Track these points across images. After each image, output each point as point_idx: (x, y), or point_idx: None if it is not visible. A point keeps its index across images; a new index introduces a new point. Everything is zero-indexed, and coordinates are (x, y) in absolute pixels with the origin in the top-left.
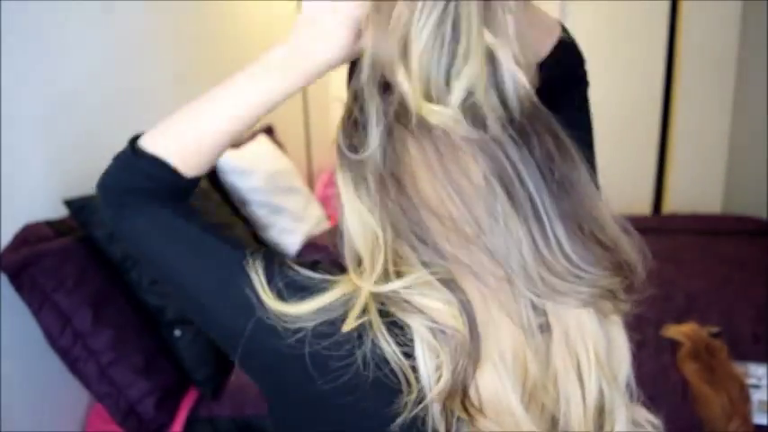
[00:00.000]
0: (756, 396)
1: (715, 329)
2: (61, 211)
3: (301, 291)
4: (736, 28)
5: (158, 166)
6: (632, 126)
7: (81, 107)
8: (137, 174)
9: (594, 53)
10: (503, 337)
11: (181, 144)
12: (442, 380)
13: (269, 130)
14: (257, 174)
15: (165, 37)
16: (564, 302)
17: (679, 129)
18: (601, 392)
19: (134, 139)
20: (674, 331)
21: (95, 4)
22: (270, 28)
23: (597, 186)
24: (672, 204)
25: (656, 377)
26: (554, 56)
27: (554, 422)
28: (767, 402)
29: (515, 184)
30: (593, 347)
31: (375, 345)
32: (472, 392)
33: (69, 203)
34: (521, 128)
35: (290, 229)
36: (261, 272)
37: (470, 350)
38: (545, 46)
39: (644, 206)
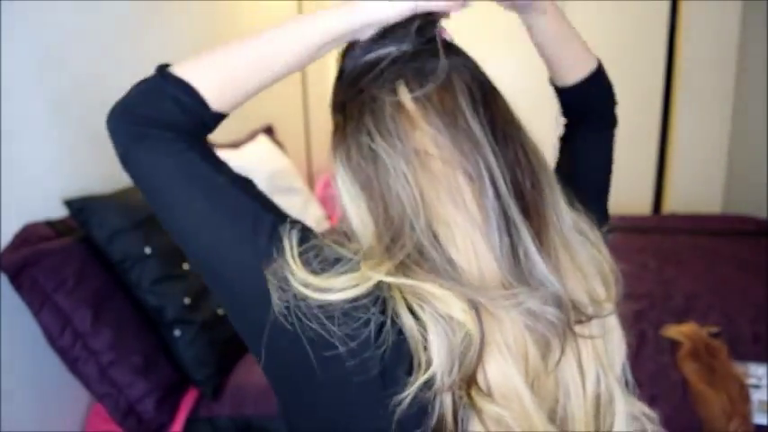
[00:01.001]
0: (756, 396)
1: (715, 329)
2: (61, 211)
3: (332, 265)
4: (736, 28)
5: (188, 93)
6: (632, 126)
7: (81, 107)
8: (162, 98)
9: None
10: (505, 325)
11: (222, 76)
12: (453, 366)
13: (269, 130)
14: (257, 174)
15: (166, 37)
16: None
17: (679, 129)
18: (598, 382)
19: (162, 67)
20: (674, 331)
21: (96, 4)
22: (267, 24)
23: (602, 235)
24: (672, 204)
25: (656, 377)
26: (589, 84)
27: (551, 413)
28: (767, 402)
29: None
30: (591, 342)
31: (394, 320)
32: (480, 379)
33: (69, 203)
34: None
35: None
36: (295, 241)
37: (478, 338)
38: (581, 71)
39: (644, 206)
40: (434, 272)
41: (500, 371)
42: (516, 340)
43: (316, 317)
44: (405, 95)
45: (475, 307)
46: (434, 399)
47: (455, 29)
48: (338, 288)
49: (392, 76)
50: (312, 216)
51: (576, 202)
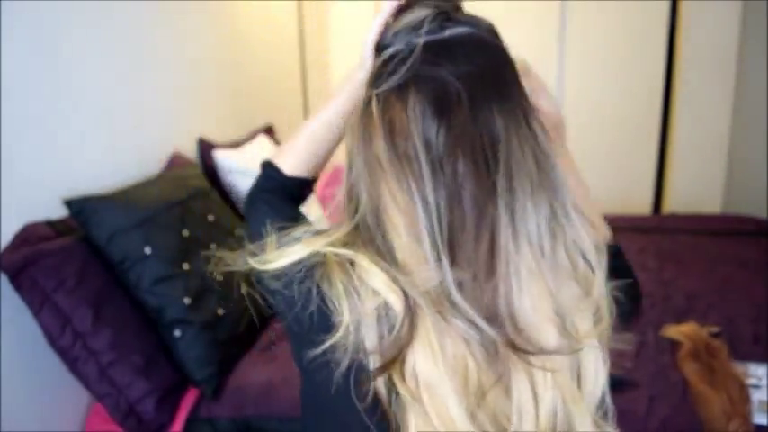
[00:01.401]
0: (756, 396)
1: (715, 329)
2: (61, 211)
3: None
4: (736, 28)
5: (273, 169)
6: (632, 126)
7: (81, 107)
8: (261, 176)
9: (594, 53)
10: (445, 336)
11: (296, 154)
12: (371, 342)
13: (269, 131)
14: (257, 174)
15: (166, 37)
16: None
17: (679, 129)
18: (555, 413)
19: (266, 163)
20: (674, 331)
21: (96, 4)
22: (270, 28)
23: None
24: (672, 204)
25: (656, 377)
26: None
27: (501, 429)
28: (767, 402)
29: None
30: (548, 365)
31: (320, 286)
32: (408, 369)
33: (69, 203)
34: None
35: None
36: (274, 236)
37: (401, 316)
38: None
39: (644, 206)
40: (376, 254)
41: (428, 369)
42: (455, 350)
43: (269, 286)
44: (374, 104)
45: (405, 296)
46: (366, 369)
47: None
48: (274, 260)
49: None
50: (312, 216)
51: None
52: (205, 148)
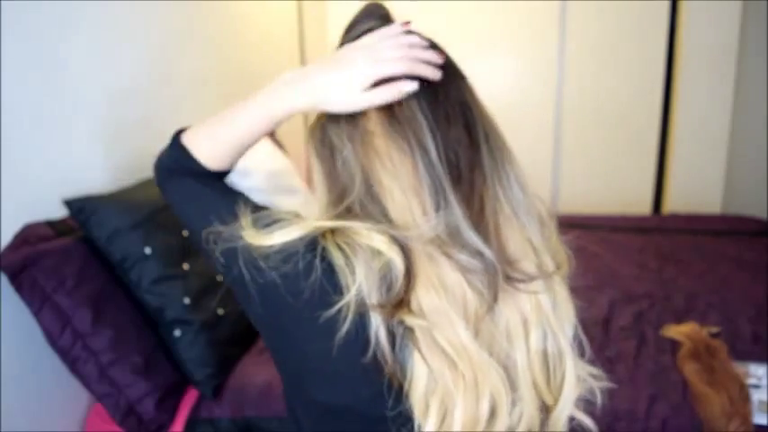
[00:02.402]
0: (756, 396)
1: (715, 329)
2: (61, 211)
3: (272, 225)
4: (736, 28)
5: (185, 157)
6: (632, 126)
7: (81, 107)
8: (173, 159)
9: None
10: (443, 269)
11: (208, 144)
12: (377, 289)
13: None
14: (257, 174)
15: (165, 36)
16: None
17: (679, 129)
18: (545, 338)
19: (179, 132)
20: (674, 331)
21: (96, 5)
22: (270, 28)
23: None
24: (672, 204)
25: (656, 377)
26: None
27: (505, 368)
28: (767, 402)
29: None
30: (534, 298)
31: (324, 257)
32: (414, 306)
33: (69, 203)
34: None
35: None
36: (249, 213)
37: (401, 267)
38: None
39: (644, 206)
40: (370, 221)
41: (432, 302)
42: (453, 282)
43: (261, 263)
44: None
45: (402, 245)
46: (368, 323)
47: (456, 29)
48: (274, 236)
49: None
50: (312, 215)
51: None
52: None
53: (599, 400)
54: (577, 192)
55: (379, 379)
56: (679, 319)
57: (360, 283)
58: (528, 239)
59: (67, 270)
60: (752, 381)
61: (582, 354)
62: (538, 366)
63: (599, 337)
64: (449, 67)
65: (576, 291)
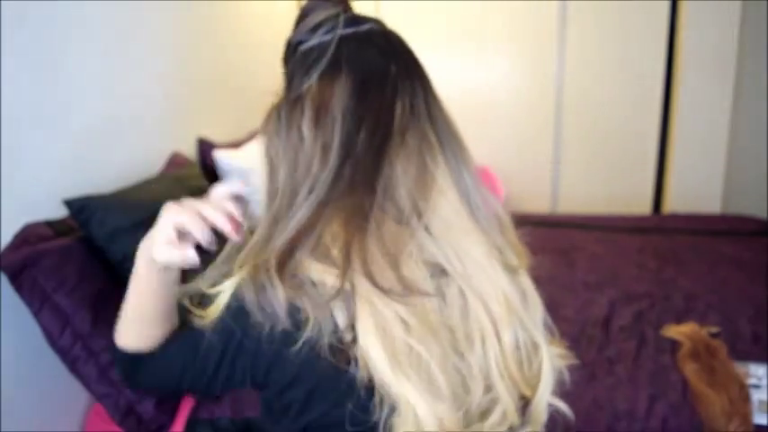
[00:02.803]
0: (756, 396)
1: (715, 329)
2: (61, 211)
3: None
4: (736, 28)
5: (119, 357)
6: (632, 126)
7: (82, 107)
8: (127, 367)
9: (594, 53)
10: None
11: (131, 337)
12: (343, 320)
13: None
14: (257, 174)
15: (166, 37)
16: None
17: (679, 129)
18: (516, 332)
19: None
20: (674, 331)
21: (97, 5)
22: (270, 28)
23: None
24: (672, 204)
25: (656, 377)
26: None
27: (485, 375)
28: (767, 402)
29: None
30: (503, 297)
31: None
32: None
33: (69, 203)
34: None
35: None
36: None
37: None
38: None
39: (644, 206)
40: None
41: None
42: (388, 317)
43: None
44: (307, 91)
45: (346, 275)
46: (340, 355)
47: (457, 29)
48: (217, 296)
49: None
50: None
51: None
52: (205, 147)
53: (567, 378)
54: (577, 192)
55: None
56: (679, 319)
57: (315, 315)
58: (490, 238)
59: (67, 270)
60: (752, 381)
61: (552, 336)
62: (512, 361)
63: (599, 337)
64: (409, 61)
65: (575, 290)
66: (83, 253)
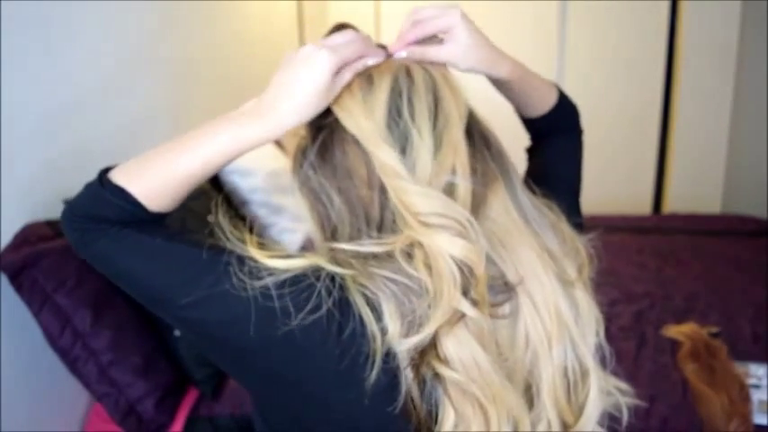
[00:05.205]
0: (756, 396)
1: (715, 329)
2: (61, 212)
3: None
4: (736, 28)
5: (123, 198)
6: (632, 126)
7: (82, 107)
8: (102, 204)
9: (594, 53)
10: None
11: (149, 184)
12: (408, 331)
13: None
14: (257, 174)
15: (166, 37)
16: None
17: (679, 129)
18: (566, 353)
19: (104, 171)
20: (674, 331)
21: (97, 5)
22: (270, 27)
23: (581, 223)
24: (672, 204)
25: (656, 377)
26: (556, 111)
27: (527, 386)
28: (767, 402)
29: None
30: (555, 310)
31: (342, 298)
32: (441, 353)
33: None
34: None
35: (291, 229)
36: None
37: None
38: (547, 104)
39: (644, 206)
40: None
41: (456, 340)
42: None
43: (267, 291)
44: None
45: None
46: (397, 370)
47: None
48: (275, 261)
49: None
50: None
51: (539, 192)
52: None
53: (625, 416)
54: None
55: (406, 426)
56: (679, 319)
57: (386, 327)
58: (545, 246)
59: (67, 270)
60: (752, 381)
61: (604, 365)
62: (560, 383)
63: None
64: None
65: None
66: None
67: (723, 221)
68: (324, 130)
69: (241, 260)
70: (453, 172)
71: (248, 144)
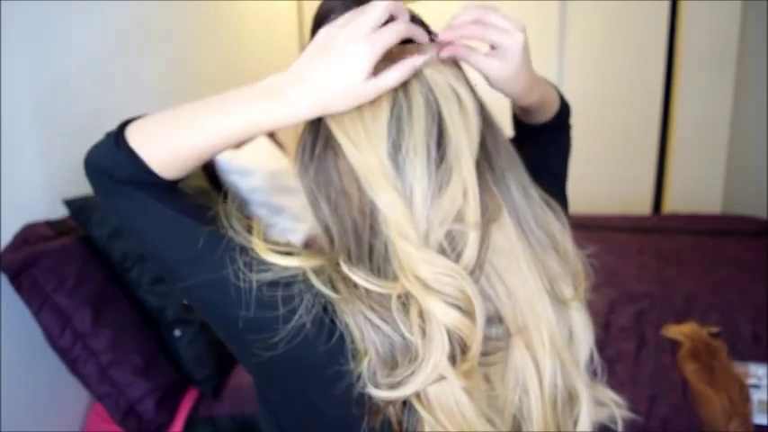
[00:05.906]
0: (756, 396)
1: (715, 329)
2: (61, 211)
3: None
4: (736, 28)
5: (134, 162)
6: (632, 126)
7: (82, 108)
8: (115, 163)
9: (595, 53)
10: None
11: (164, 150)
12: (388, 391)
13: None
14: (257, 174)
15: (168, 38)
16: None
17: (679, 129)
18: (554, 377)
19: (125, 123)
20: (674, 331)
21: (97, 5)
22: (270, 28)
23: (567, 215)
24: (672, 204)
25: (656, 377)
26: (557, 118)
27: (516, 425)
28: (767, 402)
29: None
30: (547, 334)
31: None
32: (421, 393)
33: (69, 203)
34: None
35: (291, 229)
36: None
37: (412, 354)
38: (551, 113)
39: (644, 206)
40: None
41: (438, 387)
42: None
43: (261, 288)
44: None
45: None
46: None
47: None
48: (273, 256)
49: None
50: (312, 216)
51: (546, 206)
52: None
53: (620, 429)
54: (577, 192)
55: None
56: (679, 319)
57: (363, 372)
58: (542, 268)
59: (67, 270)
60: (752, 381)
61: (595, 377)
62: (550, 417)
63: (599, 338)
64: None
65: None
66: (83, 253)
67: (723, 222)
68: (319, 142)
69: (244, 250)
70: (460, 219)
71: (263, 128)
